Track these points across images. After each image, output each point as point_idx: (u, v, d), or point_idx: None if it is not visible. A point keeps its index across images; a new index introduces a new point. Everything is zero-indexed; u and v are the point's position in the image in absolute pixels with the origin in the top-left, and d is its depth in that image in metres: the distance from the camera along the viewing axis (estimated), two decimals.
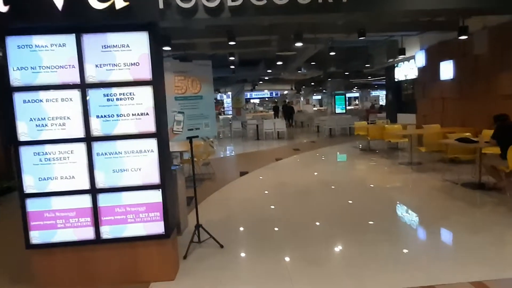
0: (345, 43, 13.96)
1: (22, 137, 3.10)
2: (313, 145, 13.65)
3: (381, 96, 42.30)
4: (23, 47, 3.00)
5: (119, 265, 3.28)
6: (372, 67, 16.67)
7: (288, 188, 6.87)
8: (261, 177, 8.04)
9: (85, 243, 3.22)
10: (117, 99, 3.12)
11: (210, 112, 4.03)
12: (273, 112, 27.76)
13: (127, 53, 3.08)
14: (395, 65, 15.39)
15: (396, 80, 15.67)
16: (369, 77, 24.59)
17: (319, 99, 45.17)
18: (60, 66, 3.05)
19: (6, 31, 2.96)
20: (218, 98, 34.05)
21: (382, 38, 13.99)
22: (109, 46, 3.06)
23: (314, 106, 39.57)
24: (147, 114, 3.15)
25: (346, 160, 10.58)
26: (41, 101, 3.07)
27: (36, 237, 3.19)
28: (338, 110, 22.80)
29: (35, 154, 3.11)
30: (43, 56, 3.03)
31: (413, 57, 12.64)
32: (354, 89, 38.64)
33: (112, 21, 2.97)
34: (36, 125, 3.09)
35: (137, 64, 3.10)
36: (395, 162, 9.28)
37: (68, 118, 3.10)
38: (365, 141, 11.55)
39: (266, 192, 6.66)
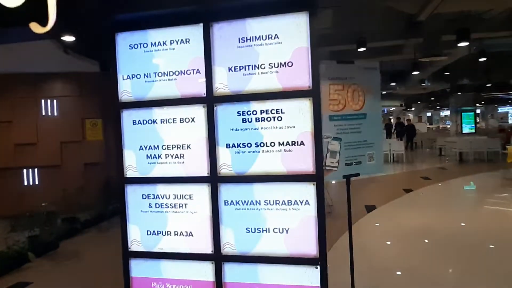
0: (490, 48, 11.27)
1: (129, 172, 2.24)
2: (445, 173, 11.10)
3: None
4: (136, 46, 2.17)
5: None
6: None
7: (440, 238, 5.01)
8: (395, 217, 6.31)
9: None
10: (256, 120, 2.04)
11: (376, 138, 2.70)
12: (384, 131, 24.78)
13: (275, 47, 1.99)
14: None
15: None
16: None
17: (428, 116, 40.11)
18: (181, 72, 2.12)
19: (116, 26, 2.17)
20: None
21: None
22: (249, 39, 2.02)
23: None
24: (302, 143, 1.98)
25: (507, 197, 7.98)
26: (155, 121, 2.18)
27: None
28: (465, 130, 19.15)
29: (144, 197, 2.22)
30: (159, 59, 2.14)
31: None
32: (477, 104, 32.88)
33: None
34: (147, 155, 2.20)
35: (289, 64, 1.98)
36: None
37: (188, 147, 2.13)
38: None
39: (413, 242, 4.94)
